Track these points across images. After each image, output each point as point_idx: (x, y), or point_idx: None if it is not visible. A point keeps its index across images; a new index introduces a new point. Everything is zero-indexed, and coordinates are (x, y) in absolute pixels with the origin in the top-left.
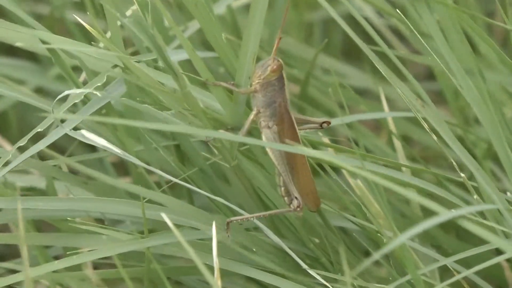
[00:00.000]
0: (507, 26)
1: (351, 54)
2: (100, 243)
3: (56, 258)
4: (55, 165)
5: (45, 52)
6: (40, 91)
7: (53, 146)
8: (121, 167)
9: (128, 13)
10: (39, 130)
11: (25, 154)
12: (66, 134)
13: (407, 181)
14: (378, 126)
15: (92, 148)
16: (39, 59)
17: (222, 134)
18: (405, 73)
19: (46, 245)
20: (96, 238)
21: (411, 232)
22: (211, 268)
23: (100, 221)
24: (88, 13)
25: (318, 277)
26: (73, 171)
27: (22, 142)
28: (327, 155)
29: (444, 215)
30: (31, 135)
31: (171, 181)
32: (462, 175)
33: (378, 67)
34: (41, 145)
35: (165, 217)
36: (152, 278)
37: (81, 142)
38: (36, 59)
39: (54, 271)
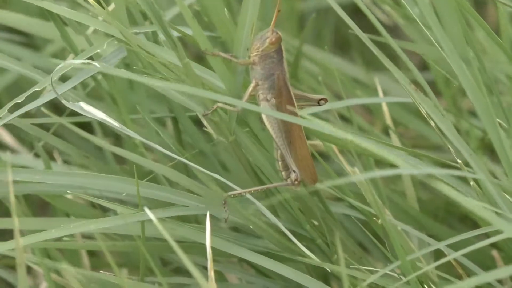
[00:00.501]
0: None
1: (342, 45)
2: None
3: None
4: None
5: (41, 32)
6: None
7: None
8: (120, 158)
9: None
10: (33, 90)
11: (16, 113)
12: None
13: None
14: (372, 117)
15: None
16: (32, 37)
17: (223, 98)
18: (404, 60)
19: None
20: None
21: None
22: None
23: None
24: None
25: (314, 257)
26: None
27: (18, 100)
28: (325, 126)
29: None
30: (24, 97)
31: (171, 162)
32: (459, 161)
33: (377, 54)
34: (33, 105)
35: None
36: (147, 264)
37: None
38: (28, 36)
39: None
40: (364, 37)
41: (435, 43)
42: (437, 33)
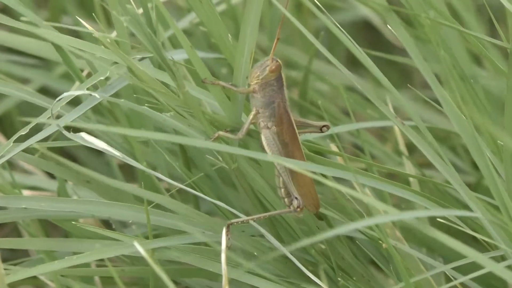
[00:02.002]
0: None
1: (355, 61)
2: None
3: None
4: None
5: (49, 54)
6: (44, 90)
7: (63, 152)
8: (129, 171)
9: (139, 11)
10: (36, 123)
11: (19, 147)
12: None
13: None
14: (384, 132)
15: (100, 152)
16: (43, 58)
17: (222, 146)
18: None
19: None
20: (101, 242)
21: None
22: (212, 274)
23: (105, 222)
24: (93, 14)
25: (320, 282)
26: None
27: (16, 136)
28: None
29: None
30: (28, 129)
31: (177, 187)
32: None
33: (376, 76)
34: (35, 139)
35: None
36: (157, 284)
37: (92, 150)
38: (40, 57)
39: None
40: (363, 57)
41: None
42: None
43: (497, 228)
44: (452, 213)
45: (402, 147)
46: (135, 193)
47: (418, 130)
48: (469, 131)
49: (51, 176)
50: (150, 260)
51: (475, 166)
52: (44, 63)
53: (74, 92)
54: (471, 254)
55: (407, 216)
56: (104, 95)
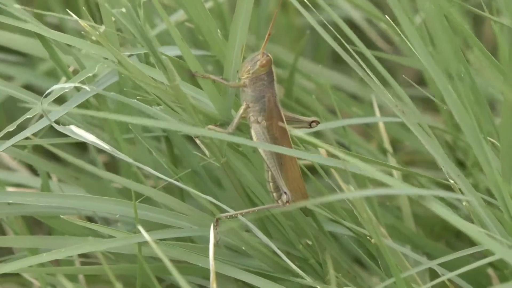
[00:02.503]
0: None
1: (339, 59)
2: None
3: None
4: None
5: (33, 51)
6: (28, 88)
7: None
8: (114, 169)
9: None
10: (25, 118)
11: (8, 143)
12: (61, 137)
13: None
14: (368, 130)
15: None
16: (27, 55)
17: (211, 132)
18: (386, 77)
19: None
20: (87, 239)
21: None
22: (198, 270)
23: (90, 220)
24: (83, 8)
25: (307, 277)
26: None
27: (9, 128)
28: (318, 157)
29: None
30: (16, 125)
31: (164, 182)
32: (451, 181)
33: (359, 73)
34: (25, 134)
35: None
36: (144, 280)
37: (75, 146)
38: (24, 54)
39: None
40: (345, 55)
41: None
42: (419, 50)
43: (492, 217)
44: (445, 194)
45: (387, 145)
46: (125, 186)
47: (405, 127)
48: (471, 124)
49: (34, 173)
50: (139, 255)
51: (460, 163)
52: (26, 61)
53: (64, 85)
54: (476, 234)
55: (398, 191)
56: (95, 88)
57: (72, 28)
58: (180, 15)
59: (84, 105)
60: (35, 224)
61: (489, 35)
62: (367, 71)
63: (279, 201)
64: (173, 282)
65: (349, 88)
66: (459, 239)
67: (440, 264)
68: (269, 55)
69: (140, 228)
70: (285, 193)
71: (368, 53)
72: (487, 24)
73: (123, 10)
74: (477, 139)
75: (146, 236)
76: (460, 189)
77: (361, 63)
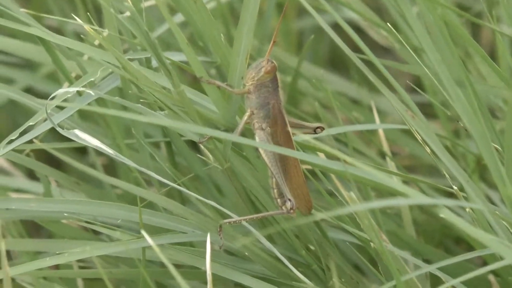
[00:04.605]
0: (494, 27)
1: (338, 64)
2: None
3: None
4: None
5: (33, 56)
6: (29, 91)
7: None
8: (113, 176)
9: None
10: (30, 124)
11: (10, 146)
12: (60, 141)
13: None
14: (367, 134)
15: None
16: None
17: (215, 132)
18: (393, 83)
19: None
20: (88, 243)
21: None
22: (202, 275)
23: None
24: (88, 13)
25: (309, 283)
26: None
27: (12, 136)
28: (320, 159)
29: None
30: (21, 130)
31: (166, 188)
32: (455, 187)
33: (368, 77)
34: (28, 137)
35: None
36: (144, 286)
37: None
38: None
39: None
40: (355, 58)
41: (428, 67)
42: (432, 57)
43: (501, 224)
44: (455, 203)
45: (386, 150)
46: (128, 190)
47: (404, 132)
48: (482, 131)
49: (33, 178)
50: (143, 260)
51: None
52: (26, 62)
53: (68, 89)
54: (489, 241)
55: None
56: (99, 92)
57: (71, 30)
58: (177, 19)
59: (85, 113)
60: (35, 230)
61: (487, 40)
62: (376, 78)
63: (283, 208)
64: (175, 286)
65: (348, 92)
66: (459, 245)
67: (441, 270)
68: (274, 62)
69: (144, 233)
70: (289, 200)
71: (376, 60)
72: (484, 30)
73: (128, 14)
74: (488, 146)
75: (149, 240)
76: (464, 196)
77: (366, 68)
